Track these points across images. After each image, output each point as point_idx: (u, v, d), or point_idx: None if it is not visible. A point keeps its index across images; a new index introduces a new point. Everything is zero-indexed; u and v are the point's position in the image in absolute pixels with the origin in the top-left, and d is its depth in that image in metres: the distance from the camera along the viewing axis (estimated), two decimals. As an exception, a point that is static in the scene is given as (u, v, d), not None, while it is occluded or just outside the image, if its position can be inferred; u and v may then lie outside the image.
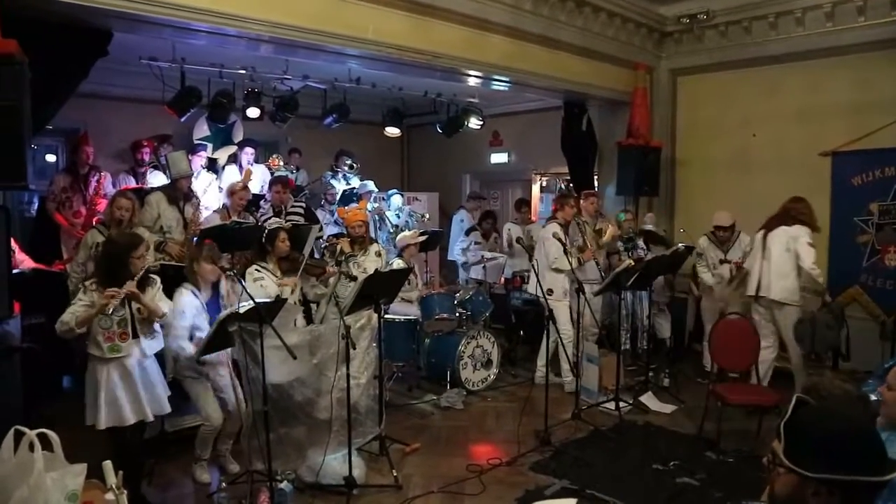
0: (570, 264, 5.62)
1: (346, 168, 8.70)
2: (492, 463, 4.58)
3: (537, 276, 5.41)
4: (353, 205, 7.17)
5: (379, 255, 5.49)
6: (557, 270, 5.89)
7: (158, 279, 3.83)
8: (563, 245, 5.62)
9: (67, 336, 3.53)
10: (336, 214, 7.78)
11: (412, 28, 5.47)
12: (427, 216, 8.78)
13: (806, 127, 6.81)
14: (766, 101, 7.13)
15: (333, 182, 8.44)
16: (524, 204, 8.12)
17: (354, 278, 5.07)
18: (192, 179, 6.17)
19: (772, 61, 7.03)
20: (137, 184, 6.97)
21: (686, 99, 7.96)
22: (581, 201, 6.56)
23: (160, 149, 7.36)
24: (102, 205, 6.28)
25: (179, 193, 5.64)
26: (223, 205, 6.38)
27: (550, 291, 5.71)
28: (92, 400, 3.60)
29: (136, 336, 3.64)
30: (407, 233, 6.55)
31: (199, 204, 5.92)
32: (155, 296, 3.72)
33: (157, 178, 7.09)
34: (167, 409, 3.87)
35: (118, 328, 3.59)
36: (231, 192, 5.95)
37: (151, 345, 3.77)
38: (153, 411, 3.72)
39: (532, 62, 6.54)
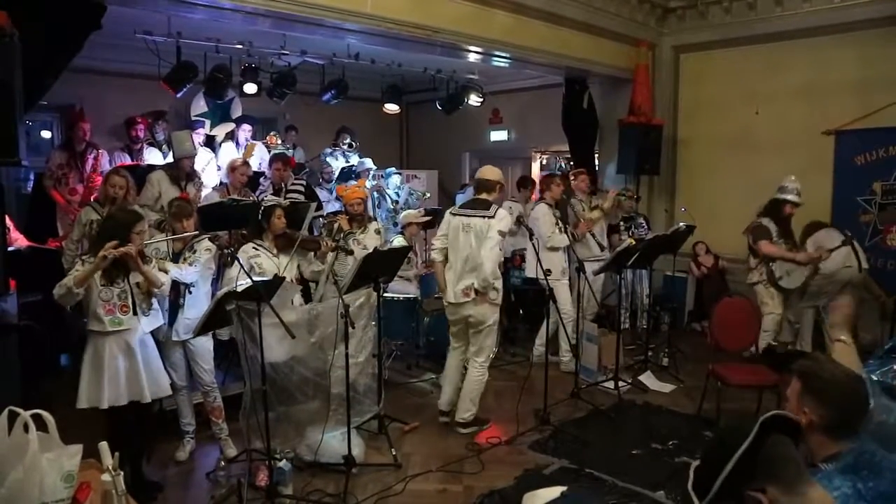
0: (566, 240, 5.60)
1: (345, 146, 8.62)
2: (491, 442, 4.59)
3: (537, 256, 5.35)
4: (352, 182, 7.11)
5: (378, 232, 5.44)
6: (553, 249, 5.82)
7: (154, 260, 3.81)
8: (555, 220, 5.56)
9: (66, 301, 3.50)
10: (334, 192, 7.72)
11: (412, 2, 5.37)
12: (427, 195, 8.72)
13: (810, 105, 6.74)
14: (770, 78, 7.04)
15: (330, 160, 8.36)
16: (528, 182, 8.05)
17: (350, 252, 5.02)
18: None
19: (776, 38, 6.94)
20: (133, 161, 6.89)
21: (688, 76, 7.87)
22: (572, 180, 6.51)
23: (155, 125, 7.27)
24: (100, 182, 6.22)
25: (182, 173, 5.59)
26: (221, 182, 6.32)
27: (549, 271, 5.66)
28: (93, 379, 3.57)
29: (135, 312, 3.64)
30: (412, 211, 6.49)
31: (201, 184, 5.87)
32: (153, 269, 3.71)
33: (152, 156, 7.02)
34: (168, 391, 3.87)
35: (119, 300, 3.58)
36: (232, 168, 5.89)
37: (150, 321, 3.78)
38: (152, 393, 3.70)
39: (533, 38, 6.45)
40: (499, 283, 4.64)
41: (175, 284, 4.04)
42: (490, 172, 4.81)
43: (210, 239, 4.25)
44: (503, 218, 4.59)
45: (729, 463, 1.60)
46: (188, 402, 4.36)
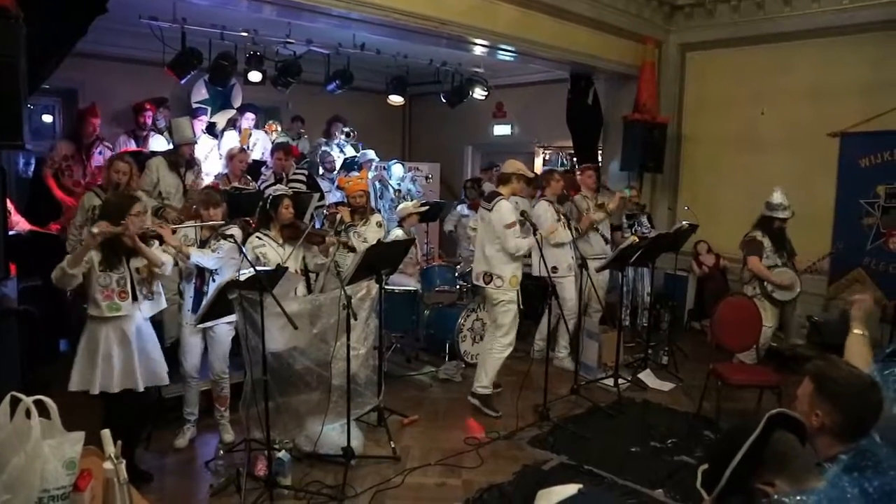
0: (569, 236, 5.59)
1: (342, 136, 8.55)
2: (490, 437, 4.59)
3: (541, 253, 5.31)
4: (354, 173, 7.08)
5: (380, 225, 5.43)
6: (558, 245, 5.79)
7: (157, 242, 3.77)
8: (557, 216, 5.54)
9: (63, 283, 3.47)
10: (336, 183, 7.68)
11: (419, -7, 5.34)
12: (430, 177, 8.74)
13: (816, 106, 6.71)
14: (777, 78, 7.01)
15: (327, 149, 8.30)
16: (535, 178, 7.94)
17: (354, 249, 5.02)
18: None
19: (784, 38, 6.90)
20: (138, 147, 6.84)
21: (694, 74, 7.83)
22: (578, 175, 6.49)
23: (157, 112, 7.22)
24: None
25: (181, 159, 5.56)
26: (220, 172, 6.29)
27: (555, 269, 5.65)
28: (87, 364, 3.54)
29: (135, 298, 3.61)
30: (408, 203, 6.46)
31: (200, 171, 5.84)
32: (154, 248, 3.68)
33: (157, 142, 6.97)
34: (165, 380, 3.83)
35: (117, 286, 3.55)
36: (230, 157, 5.87)
37: (150, 306, 3.75)
38: (147, 382, 3.66)
39: (540, 32, 6.42)
40: (508, 270, 4.93)
41: (200, 272, 4.09)
42: (507, 165, 5.14)
43: (240, 227, 4.25)
44: (499, 210, 4.87)
45: (737, 455, 1.60)
46: (196, 392, 4.35)
